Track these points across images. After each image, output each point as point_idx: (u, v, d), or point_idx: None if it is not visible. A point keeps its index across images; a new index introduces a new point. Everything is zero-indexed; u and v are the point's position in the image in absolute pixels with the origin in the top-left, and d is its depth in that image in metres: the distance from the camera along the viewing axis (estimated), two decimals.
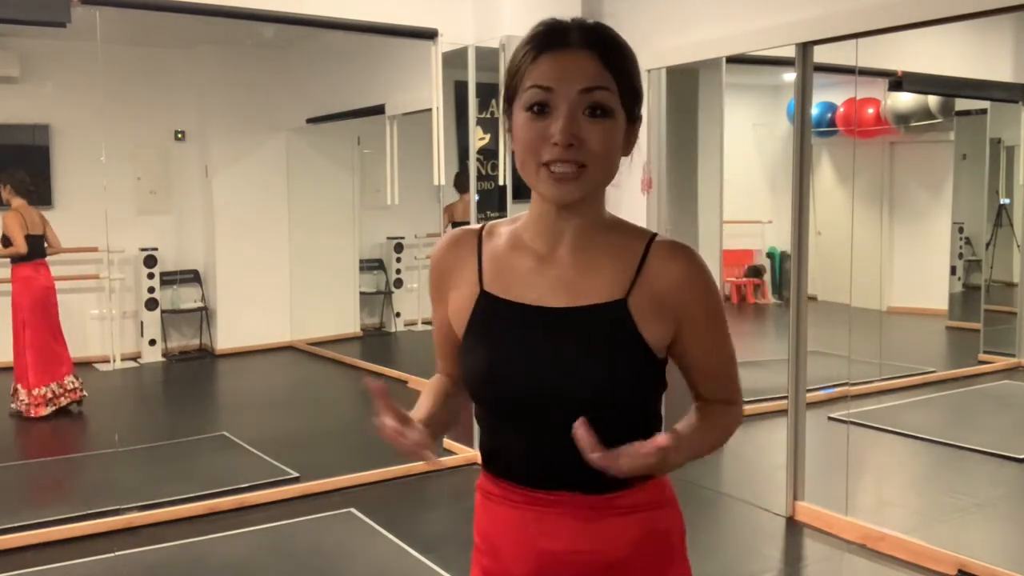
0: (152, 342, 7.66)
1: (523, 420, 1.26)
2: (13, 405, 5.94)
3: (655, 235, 1.29)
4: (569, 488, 1.26)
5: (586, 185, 1.20)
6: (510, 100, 1.23)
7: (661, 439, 1.15)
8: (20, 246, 5.87)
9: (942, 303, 6.58)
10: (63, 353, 6.06)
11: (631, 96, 1.22)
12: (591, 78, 1.18)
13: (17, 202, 5.97)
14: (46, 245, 6.05)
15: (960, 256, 6.43)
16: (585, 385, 1.22)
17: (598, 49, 1.19)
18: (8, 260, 6.02)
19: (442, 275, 1.35)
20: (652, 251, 1.25)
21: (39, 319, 5.96)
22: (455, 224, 5.82)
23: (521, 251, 1.28)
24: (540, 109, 1.18)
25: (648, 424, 1.28)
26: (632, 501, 1.28)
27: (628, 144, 1.25)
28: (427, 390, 1.42)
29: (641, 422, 1.27)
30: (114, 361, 7.35)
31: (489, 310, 1.28)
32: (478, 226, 1.36)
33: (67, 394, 6.00)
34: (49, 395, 5.93)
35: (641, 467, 1.15)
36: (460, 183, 6.22)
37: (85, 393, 6.10)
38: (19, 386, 5.94)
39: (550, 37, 1.20)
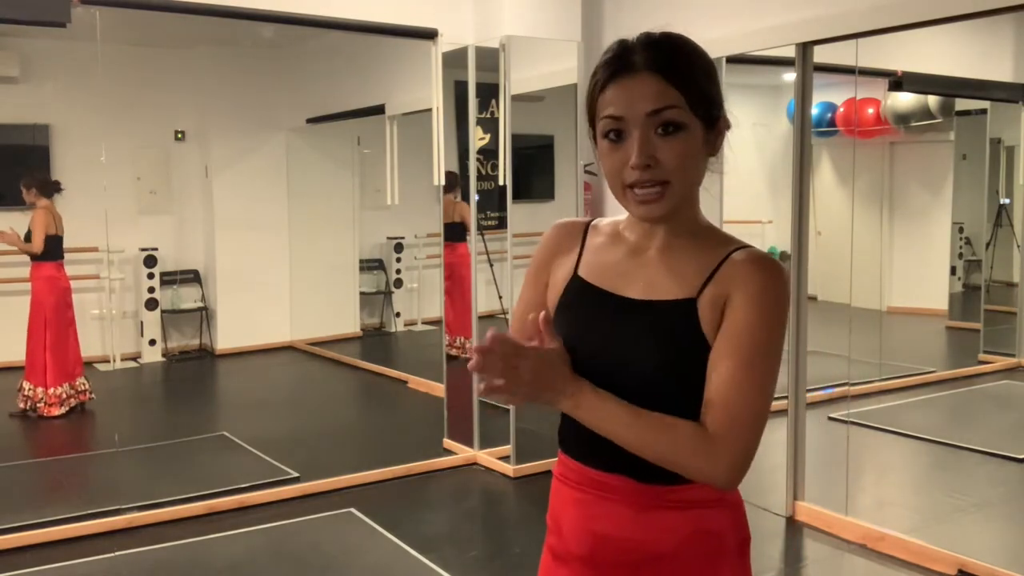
0: (152, 342, 7.66)
1: None
2: (21, 404, 5.94)
3: (745, 246, 1.33)
4: (623, 471, 1.31)
5: (671, 200, 1.27)
6: (592, 123, 1.33)
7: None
8: (37, 246, 5.90)
9: (942, 303, 6.57)
10: (77, 354, 6.12)
11: (702, 104, 1.27)
12: (656, 100, 1.24)
13: (43, 202, 6.00)
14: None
15: (960, 256, 6.43)
16: (641, 371, 1.29)
17: (661, 68, 1.25)
18: (27, 259, 6.06)
19: (553, 254, 1.45)
20: (731, 257, 1.31)
21: (60, 319, 6.02)
22: (447, 225, 5.75)
23: (618, 245, 1.39)
24: (617, 136, 1.27)
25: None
26: (683, 497, 1.32)
27: (713, 144, 1.32)
28: None
29: (697, 411, 1.30)
30: (114, 361, 7.37)
31: (577, 292, 1.39)
32: (586, 219, 1.47)
33: (78, 395, 6.05)
34: (64, 395, 5.98)
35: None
36: (447, 184, 6.15)
37: (93, 396, 6.15)
38: (30, 384, 5.95)
39: (616, 63, 1.28)
